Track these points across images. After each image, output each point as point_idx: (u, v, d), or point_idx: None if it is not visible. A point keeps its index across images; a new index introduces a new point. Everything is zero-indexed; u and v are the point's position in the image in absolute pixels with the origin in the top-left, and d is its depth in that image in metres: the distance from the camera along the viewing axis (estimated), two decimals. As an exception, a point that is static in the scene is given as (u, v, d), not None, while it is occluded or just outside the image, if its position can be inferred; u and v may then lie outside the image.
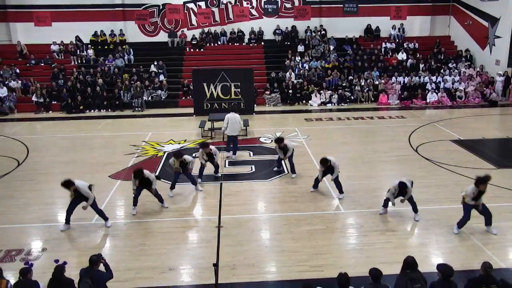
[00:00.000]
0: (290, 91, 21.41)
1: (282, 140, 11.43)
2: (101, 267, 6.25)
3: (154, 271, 7.43)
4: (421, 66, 23.13)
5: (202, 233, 8.76)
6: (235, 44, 24.65)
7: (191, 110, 19.58)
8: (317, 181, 10.54)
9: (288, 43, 24.61)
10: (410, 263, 5.86)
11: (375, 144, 14.65)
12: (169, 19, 24.56)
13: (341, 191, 10.20)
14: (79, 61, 23.25)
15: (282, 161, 12.03)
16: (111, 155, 13.81)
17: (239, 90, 19.19)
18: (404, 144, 14.43)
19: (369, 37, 25.19)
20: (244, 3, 24.87)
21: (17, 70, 22.18)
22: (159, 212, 9.70)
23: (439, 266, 5.80)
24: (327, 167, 9.98)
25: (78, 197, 8.72)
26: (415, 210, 9.05)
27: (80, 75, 21.60)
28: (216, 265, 6.67)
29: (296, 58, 23.38)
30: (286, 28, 24.87)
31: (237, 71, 19.80)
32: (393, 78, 22.00)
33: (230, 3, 24.87)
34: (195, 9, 24.84)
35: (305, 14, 23.91)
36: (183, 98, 21.52)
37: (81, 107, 20.24)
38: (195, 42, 24.37)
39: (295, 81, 21.80)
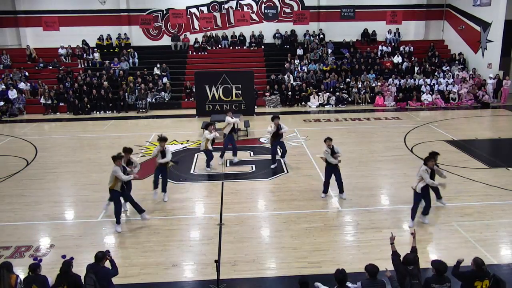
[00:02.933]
0: (289, 93, 21.65)
1: (277, 117, 12.25)
2: (107, 264, 6.34)
3: (158, 267, 7.60)
4: (416, 69, 23.41)
5: (204, 230, 8.95)
6: (236, 47, 24.93)
7: (193, 111, 19.79)
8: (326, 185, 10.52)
9: (288, 46, 24.88)
10: (410, 260, 5.99)
11: (371, 144, 14.82)
12: (172, 24, 24.91)
13: (341, 191, 10.31)
14: (86, 64, 23.58)
15: (278, 158, 12.52)
16: (116, 155, 14.09)
17: (240, 92, 19.40)
18: (399, 144, 14.62)
19: (365, 41, 25.47)
20: (245, 8, 25.19)
21: (26, 73, 22.51)
22: (163, 210, 9.92)
23: (434, 263, 5.89)
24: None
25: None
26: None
27: (86, 78, 21.90)
28: (217, 261, 6.79)
29: (295, 61, 23.64)
30: (286, 32, 25.14)
31: (238, 73, 19.99)
32: (389, 81, 22.26)
33: (232, 8, 25.18)
34: (198, 14, 25.18)
35: (303, 18, 24.26)
36: (186, 99, 21.78)
37: (87, 109, 20.52)
38: (197, 45, 24.67)
39: (294, 84, 22.04)
